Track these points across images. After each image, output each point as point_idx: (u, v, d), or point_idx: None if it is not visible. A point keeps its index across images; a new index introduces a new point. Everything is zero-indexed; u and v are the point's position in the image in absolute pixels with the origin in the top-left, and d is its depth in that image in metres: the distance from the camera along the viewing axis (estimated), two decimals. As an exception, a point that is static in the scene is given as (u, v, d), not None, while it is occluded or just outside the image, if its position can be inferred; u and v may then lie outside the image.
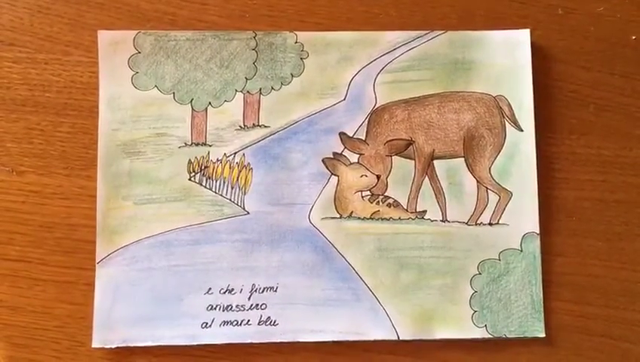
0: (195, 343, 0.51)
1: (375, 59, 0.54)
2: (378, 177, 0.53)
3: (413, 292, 0.52)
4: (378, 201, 0.53)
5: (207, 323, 0.51)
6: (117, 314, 0.51)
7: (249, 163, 0.53)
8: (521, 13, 0.55)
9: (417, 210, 0.53)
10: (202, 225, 0.52)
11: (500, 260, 0.53)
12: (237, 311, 0.51)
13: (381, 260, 0.52)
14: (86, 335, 0.51)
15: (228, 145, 0.53)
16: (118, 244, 0.51)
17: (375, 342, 0.51)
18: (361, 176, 0.53)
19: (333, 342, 0.51)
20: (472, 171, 0.54)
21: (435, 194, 0.53)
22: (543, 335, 0.52)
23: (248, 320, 0.51)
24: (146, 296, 0.51)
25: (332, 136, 0.53)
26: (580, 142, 0.55)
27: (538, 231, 0.53)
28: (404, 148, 0.54)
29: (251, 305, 0.51)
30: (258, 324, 0.51)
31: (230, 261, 0.52)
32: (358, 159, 0.54)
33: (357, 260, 0.52)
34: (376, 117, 0.54)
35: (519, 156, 0.53)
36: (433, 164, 0.54)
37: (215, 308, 0.51)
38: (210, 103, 0.53)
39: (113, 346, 0.50)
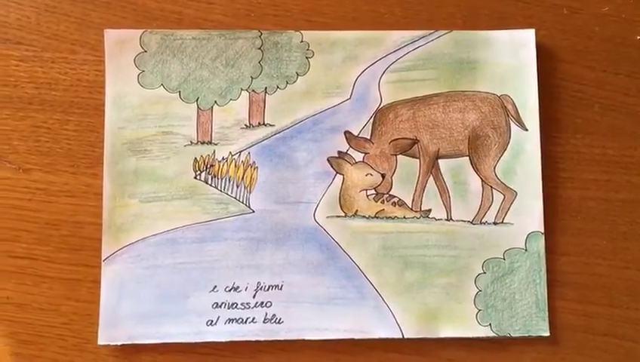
0: (200, 341, 0.51)
1: (380, 59, 0.54)
2: (383, 176, 0.54)
3: (417, 291, 0.52)
4: (383, 200, 0.53)
5: (212, 321, 0.51)
6: (123, 312, 0.51)
7: (254, 161, 0.53)
8: (526, 13, 0.55)
9: (422, 209, 0.53)
10: (208, 223, 0.52)
11: (504, 259, 0.53)
12: (242, 309, 0.51)
13: (386, 259, 0.52)
14: (92, 333, 0.51)
15: (233, 143, 0.53)
16: (123, 242, 0.51)
17: (380, 340, 0.52)
18: (366, 174, 0.54)
19: (338, 340, 0.51)
20: (476, 170, 0.54)
21: (440, 193, 0.54)
22: (547, 334, 0.52)
23: (253, 318, 0.51)
24: (151, 293, 0.51)
25: (337, 135, 0.54)
26: (584, 141, 0.55)
27: (543, 231, 0.53)
28: (409, 147, 0.54)
29: (256, 303, 0.51)
30: (263, 322, 0.51)
31: (235, 259, 0.52)
32: (363, 158, 0.54)
33: (362, 259, 0.52)
34: (381, 116, 0.54)
35: (524, 155, 0.54)
36: (438, 163, 0.54)
37: (220, 306, 0.51)
38: (215, 102, 0.53)
39: (119, 343, 0.51)
